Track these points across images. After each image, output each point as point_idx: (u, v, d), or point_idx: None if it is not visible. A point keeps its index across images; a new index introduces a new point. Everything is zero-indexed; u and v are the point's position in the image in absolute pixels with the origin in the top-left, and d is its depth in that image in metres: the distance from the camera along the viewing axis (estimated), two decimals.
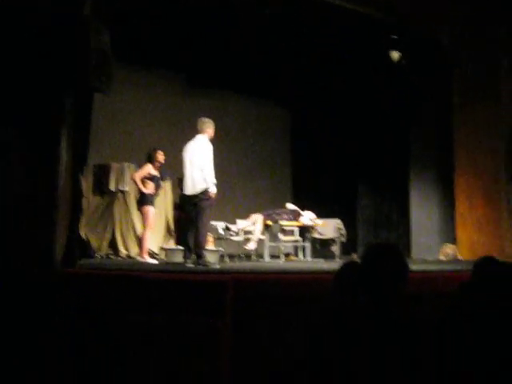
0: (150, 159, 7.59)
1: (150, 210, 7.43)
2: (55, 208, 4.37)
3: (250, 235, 8.59)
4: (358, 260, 2.70)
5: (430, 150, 10.59)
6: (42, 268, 4.12)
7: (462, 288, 3.00)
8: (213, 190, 6.59)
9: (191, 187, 6.68)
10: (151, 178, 7.49)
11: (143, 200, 7.45)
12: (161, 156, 7.63)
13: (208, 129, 6.84)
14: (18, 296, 3.82)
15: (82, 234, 8.36)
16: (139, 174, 7.48)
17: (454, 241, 9.81)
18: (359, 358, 2.24)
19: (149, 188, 7.43)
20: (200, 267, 6.29)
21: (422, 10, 9.28)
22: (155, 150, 7.65)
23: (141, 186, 7.38)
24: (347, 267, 3.13)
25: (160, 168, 7.75)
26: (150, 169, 7.51)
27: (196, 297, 4.12)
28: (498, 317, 2.57)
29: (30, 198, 4.28)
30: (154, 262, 7.44)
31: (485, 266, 3.02)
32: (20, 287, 3.85)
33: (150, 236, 7.88)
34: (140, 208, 7.54)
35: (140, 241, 7.64)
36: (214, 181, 6.63)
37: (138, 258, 7.49)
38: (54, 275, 4.19)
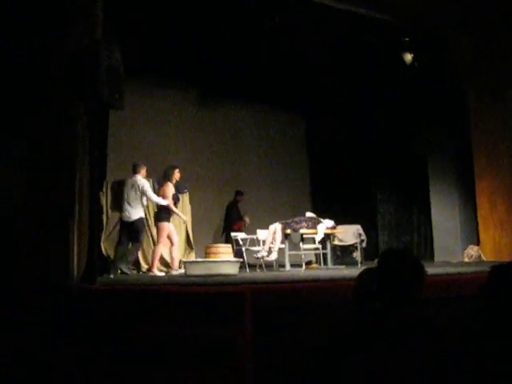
0: (169, 177, 7.68)
1: (165, 225, 7.48)
2: (70, 225, 4.40)
3: (271, 245, 8.55)
4: None
5: (449, 152, 10.51)
6: (57, 285, 4.14)
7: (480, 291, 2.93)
8: None
9: None
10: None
11: (159, 216, 7.52)
12: (178, 174, 7.74)
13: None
14: (35, 313, 3.86)
15: (103, 249, 8.45)
16: (169, 198, 7.56)
17: (477, 243, 9.69)
18: (377, 361, 2.22)
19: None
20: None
21: (435, 12, 9.24)
22: (173, 169, 7.75)
23: (174, 208, 7.52)
24: (365, 273, 3.10)
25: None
26: (172, 187, 7.63)
27: (214, 308, 4.11)
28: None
29: (44, 216, 4.32)
30: (162, 274, 7.45)
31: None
32: (37, 304, 3.89)
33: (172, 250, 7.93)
34: (156, 223, 7.62)
35: (153, 255, 7.67)
36: None
37: (150, 273, 7.53)
38: (71, 292, 4.22)
